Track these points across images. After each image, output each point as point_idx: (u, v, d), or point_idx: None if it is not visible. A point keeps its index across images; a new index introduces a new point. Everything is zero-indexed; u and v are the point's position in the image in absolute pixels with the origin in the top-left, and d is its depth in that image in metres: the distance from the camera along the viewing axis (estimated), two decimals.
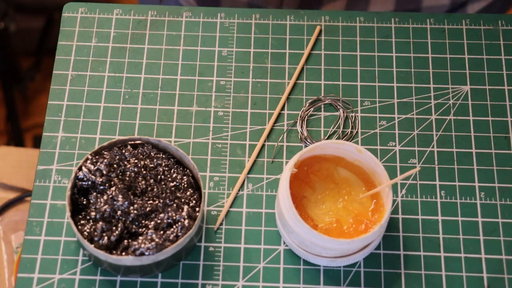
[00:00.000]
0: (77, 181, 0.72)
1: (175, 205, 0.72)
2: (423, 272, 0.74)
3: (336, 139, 0.80)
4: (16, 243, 1.08)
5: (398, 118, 0.82)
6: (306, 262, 0.74)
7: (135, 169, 0.73)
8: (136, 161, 0.74)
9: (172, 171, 0.74)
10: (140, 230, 0.71)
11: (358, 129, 0.81)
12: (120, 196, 0.71)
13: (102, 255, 0.69)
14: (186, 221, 0.71)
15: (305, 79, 0.84)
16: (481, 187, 0.78)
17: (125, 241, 0.70)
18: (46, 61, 1.71)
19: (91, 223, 0.70)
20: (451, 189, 0.78)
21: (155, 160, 0.74)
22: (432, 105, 0.83)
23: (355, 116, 0.82)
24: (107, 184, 0.72)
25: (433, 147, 0.80)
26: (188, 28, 0.87)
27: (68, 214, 0.70)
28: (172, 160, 0.75)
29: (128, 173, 0.73)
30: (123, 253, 0.70)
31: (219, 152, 0.80)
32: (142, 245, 0.69)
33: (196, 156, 0.80)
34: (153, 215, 0.72)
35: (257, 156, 0.80)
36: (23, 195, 1.14)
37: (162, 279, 0.73)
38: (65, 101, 0.82)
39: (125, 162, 0.74)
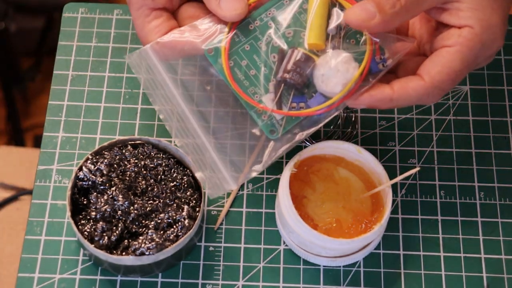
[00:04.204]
0: (77, 181, 0.72)
1: (175, 205, 0.72)
2: (423, 272, 0.74)
3: (336, 139, 0.80)
4: None
5: (398, 118, 0.82)
6: (306, 262, 0.74)
7: (135, 169, 0.73)
8: (136, 161, 0.74)
9: (172, 171, 0.74)
10: (140, 230, 0.71)
11: (358, 129, 0.81)
12: (120, 196, 0.71)
13: (102, 255, 0.69)
14: (186, 221, 0.71)
15: None
16: (480, 187, 0.78)
17: (126, 241, 0.70)
18: (46, 61, 1.71)
19: (92, 223, 0.71)
20: (451, 189, 0.78)
21: (155, 160, 0.74)
22: (432, 105, 0.83)
23: (355, 116, 0.82)
24: (107, 184, 0.72)
25: (432, 147, 0.80)
26: None
27: (68, 214, 0.70)
28: (172, 160, 0.75)
29: (128, 173, 0.73)
30: (124, 253, 0.70)
31: None
32: (143, 245, 0.69)
33: None
34: (153, 215, 0.72)
35: None
36: (18, 194, 1.14)
37: (162, 279, 0.74)
38: (65, 101, 0.83)
39: (125, 162, 0.74)
